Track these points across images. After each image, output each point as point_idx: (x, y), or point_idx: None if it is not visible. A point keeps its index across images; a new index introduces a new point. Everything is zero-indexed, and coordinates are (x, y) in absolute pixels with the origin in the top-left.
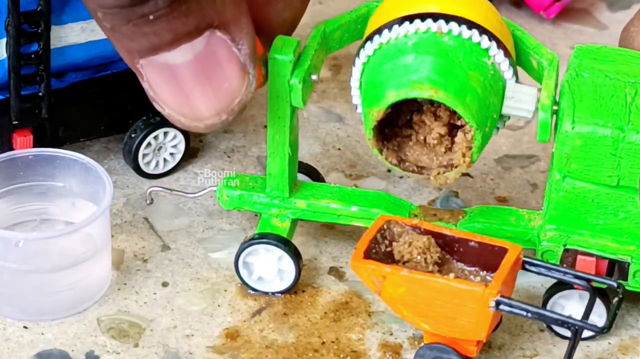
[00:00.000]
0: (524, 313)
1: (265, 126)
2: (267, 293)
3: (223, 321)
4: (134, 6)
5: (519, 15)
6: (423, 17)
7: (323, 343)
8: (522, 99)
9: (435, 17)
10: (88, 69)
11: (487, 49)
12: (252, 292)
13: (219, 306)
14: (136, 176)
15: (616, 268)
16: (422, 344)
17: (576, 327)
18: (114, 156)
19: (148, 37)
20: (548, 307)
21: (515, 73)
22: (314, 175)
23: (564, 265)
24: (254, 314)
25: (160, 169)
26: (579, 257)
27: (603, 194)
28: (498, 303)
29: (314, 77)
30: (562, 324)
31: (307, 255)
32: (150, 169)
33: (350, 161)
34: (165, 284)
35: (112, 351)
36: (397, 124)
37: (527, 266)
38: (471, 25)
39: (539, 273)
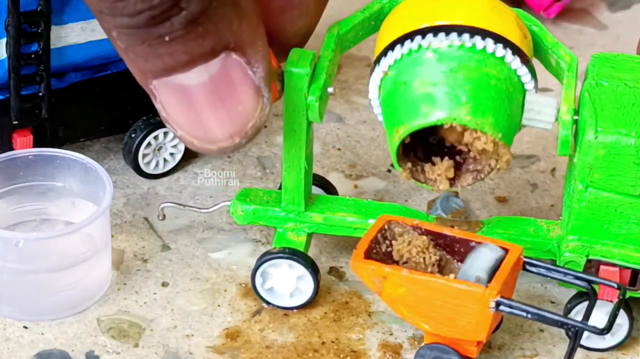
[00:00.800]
0: (524, 314)
1: (266, 126)
2: (282, 308)
3: (223, 321)
4: (149, 27)
5: None
6: (392, 46)
7: (323, 343)
8: (541, 110)
9: (386, 50)
10: (88, 69)
11: (425, 47)
12: (266, 306)
13: (219, 306)
14: (136, 176)
15: (638, 279)
16: (422, 344)
17: (576, 328)
18: (114, 156)
19: (163, 58)
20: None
21: (531, 70)
22: (328, 188)
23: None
24: (254, 314)
25: (160, 169)
26: (602, 267)
27: (626, 203)
28: (498, 304)
29: (330, 90)
30: (562, 325)
31: None
32: (150, 169)
33: (350, 161)
34: (165, 284)
35: (112, 351)
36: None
37: (527, 267)
38: (407, 38)
39: (539, 274)
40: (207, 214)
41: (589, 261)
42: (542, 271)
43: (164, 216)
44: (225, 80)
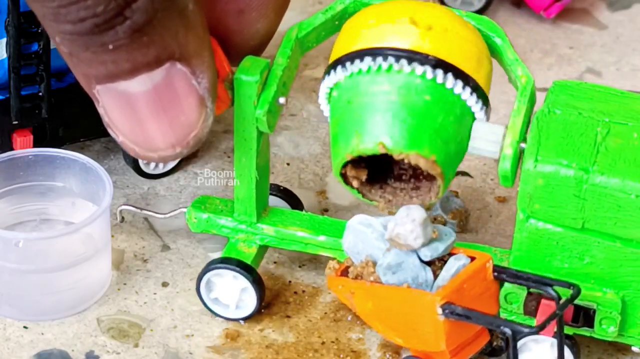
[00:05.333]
0: (466, 320)
1: None
2: (227, 319)
3: (223, 321)
4: (93, 34)
5: (519, 15)
6: (342, 62)
7: (323, 343)
8: (487, 139)
9: (335, 65)
10: None
11: (375, 69)
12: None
13: None
14: (136, 176)
15: (581, 315)
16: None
17: (511, 329)
18: (114, 156)
19: (106, 65)
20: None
21: (481, 96)
22: (293, 201)
23: (528, 306)
24: (254, 314)
25: (160, 169)
26: (543, 301)
27: (568, 237)
28: (444, 309)
29: (281, 100)
30: (497, 326)
31: (307, 255)
32: (150, 169)
33: None
34: (165, 284)
35: (112, 351)
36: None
37: (495, 274)
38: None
39: (506, 281)
40: None
41: (530, 294)
42: (509, 278)
43: (122, 218)
44: (168, 90)
